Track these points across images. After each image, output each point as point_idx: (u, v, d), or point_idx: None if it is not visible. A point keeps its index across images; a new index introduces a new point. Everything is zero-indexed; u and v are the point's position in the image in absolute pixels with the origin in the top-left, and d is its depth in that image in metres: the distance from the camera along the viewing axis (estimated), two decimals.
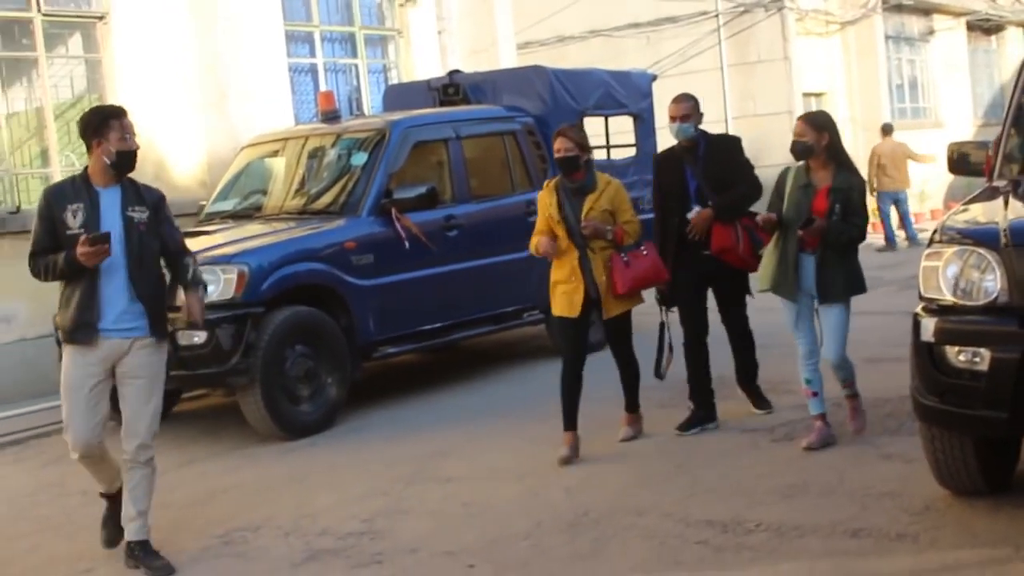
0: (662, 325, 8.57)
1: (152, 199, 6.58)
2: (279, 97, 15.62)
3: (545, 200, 8.07)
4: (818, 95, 24.68)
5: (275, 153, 11.94)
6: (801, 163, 7.65)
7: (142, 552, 6.45)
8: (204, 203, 12.20)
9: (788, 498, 6.66)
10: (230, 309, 9.21)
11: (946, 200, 22.56)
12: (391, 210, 10.14)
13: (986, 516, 6.02)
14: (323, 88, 15.30)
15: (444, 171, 11.23)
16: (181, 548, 6.70)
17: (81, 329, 6.26)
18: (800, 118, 7.86)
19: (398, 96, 13.65)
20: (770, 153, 22.59)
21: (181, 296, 6.68)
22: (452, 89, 12.68)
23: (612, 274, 7.84)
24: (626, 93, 13.45)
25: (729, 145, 8.92)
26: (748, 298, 8.73)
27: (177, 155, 14.26)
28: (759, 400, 8.90)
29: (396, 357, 10.70)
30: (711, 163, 8.47)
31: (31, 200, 13.28)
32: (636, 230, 8.03)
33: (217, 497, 7.94)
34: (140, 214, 6.41)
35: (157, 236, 6.50)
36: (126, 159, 6.43)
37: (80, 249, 6.06)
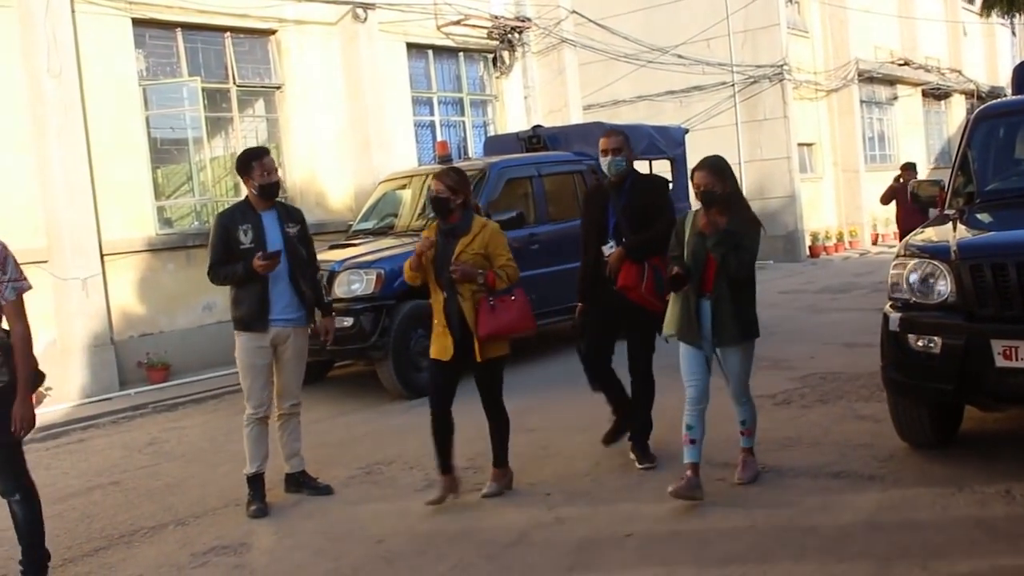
0: (578, 350, 6.83)
1: (299, 217, 6.60)
2: (407, 145, 15.78)
3: (427, 237, 6.14)
4: (809, 144, 24.37)
5: (403, 186, 11.99)
6: (697, 209, 5.84)
7: (305, 479, 6.54)
8: (351, 223, 12.32)
9: (785, 447, 6.58)
10: (370, 301, 9.35)
11: None
12: None
13: (937, 462, 5.94)
14: (439, 138, 15.37)
15: (529, 200, 11.23)
16: (335, 476, 6.77)
17: (259, 319, 6.27)
18: (702, 167, 5.69)
19: (495, 144, 13.67)
20: (773, 188, 22.49)
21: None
22: (535, 139, 12.69)
23: (477, 317, 5.89)
24: (665, 142, 13.39)
25: (654, 186, 6.78)
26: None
27: (332, 188, 14.43)
28: (642, 454, 6.50)
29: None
30: (633, 201, 6.46)
31: None
32: (512, 275, 5.98)
33: (359, 440, 8.01)
34: (293, 229, 6.44)
35: (305, 245, 6.55)
36: (267, 190, 6.36)
37: (257, 262, 6.12)
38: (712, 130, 22.03)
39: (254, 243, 6.27)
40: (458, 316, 5.93)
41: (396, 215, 11.59)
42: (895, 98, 28.14)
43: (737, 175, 18.73)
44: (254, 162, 6.33)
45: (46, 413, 10.46)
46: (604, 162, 6.48)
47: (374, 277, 9.44)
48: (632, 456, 6.51)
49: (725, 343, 5.71)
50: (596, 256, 6.50)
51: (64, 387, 11.16)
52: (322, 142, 14.45)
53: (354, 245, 10.60)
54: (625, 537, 5.18)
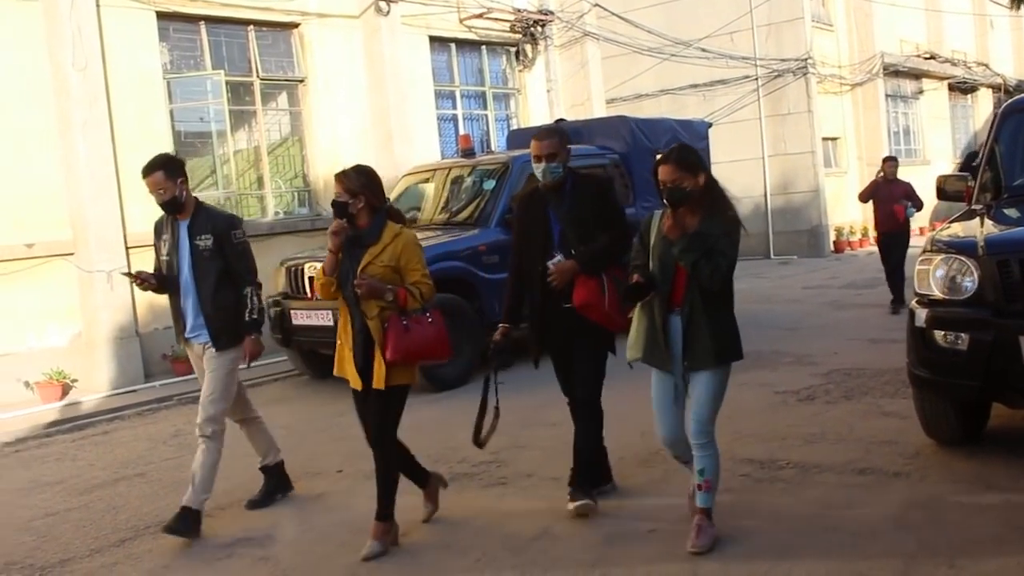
0: (487, 380, 5.67)
1: (221, 227, 5.93)
2: (429, 139, 15.81)
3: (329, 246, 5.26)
4: (834, 139, 24.25)
5: (427, 180, 12.02)
6: (664, 209, 4.88)
7: (188, 518, 5.78)
8: None
9: (810, 443, 6.57)
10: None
11: (931, 220, 21.99)
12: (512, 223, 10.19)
13: (963, 460, 5.91)
14: (462, 132, 15.40)
15: None
16: (359, 469, 6.78)
17: (178, 334, 6.12)
18: (667, 160, 4.75)
19: (518, 138, 13.64)
20: (797, 183, 22.38)
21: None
22: None
23: (386, 337, 5.07)
24: (689, 136, 13.30)
25: (598, 186, 5.84)
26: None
27: None
28: (578, 491, 5.54)
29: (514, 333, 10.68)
30: (577, 205, 5.53)
31: (250, 213, 13.57)
32: (427, 293, 5.18)
33: None
34: (204, 242, 5.87)
35: (222, 259, 5.90)
36: (163, 207, 5.94)
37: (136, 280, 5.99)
38: (735, 124, 21.96)
39: (168, 255, 6.00)
40: (362, 337, 5.18)
41: (420, 209, 11.61)
42: (921, 92, 27.97)
43: (761, 170, 18.88)
44: (145, 179, 5.91)
45: (73, 404, 10.56)
46: (537, 169, 5.55)
47: None
48: (569, 496, 5.56)
49: (697, 365, 4.77)
50: (542, 273, 5.48)
51: (90, 379, 11.26)
52: (345, 135, 14.49)
53: None
54: (649, 532, 5.19)
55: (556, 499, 5.79)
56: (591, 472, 5.70)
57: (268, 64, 14.00)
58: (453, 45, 16.81)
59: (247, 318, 5.91)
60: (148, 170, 5.89)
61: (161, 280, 6.03)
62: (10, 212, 11.05)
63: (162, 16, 12.63)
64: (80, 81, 11.48)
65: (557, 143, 5.51)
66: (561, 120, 13.41)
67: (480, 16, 16.63)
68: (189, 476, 5.94)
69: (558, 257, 5.43)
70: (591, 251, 5.43)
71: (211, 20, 13.25)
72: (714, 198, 4.80)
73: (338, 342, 5.36)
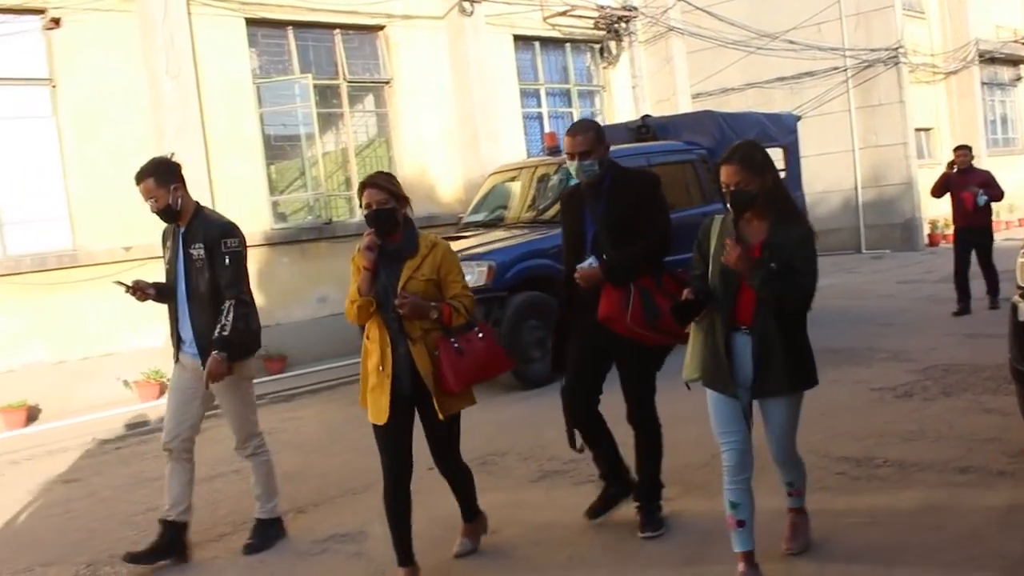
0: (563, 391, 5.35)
1: (213, 235, 5.45)
2: (515, 138, 15.84)
3: (358, 263, 4.73)
4: (927, 129, 23.71)
5: (513, 178, 12.04)
6: (725, 215, 4.39)
7: (172, 535, 5.55)
8: (462, 216, 12.43)
9: (908, 441, 6.41)
10: (481, 293, 9.37)
11: None
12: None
13: None
14: (547, 130, 15.39)
15: None
16: None
17: (174, 347, 5.68)
18: (730, 159, 4.20)
19: None
20: (888, 176, 21.92)
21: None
22: (644, 129, 12.60)
23: (441, 366, 4.64)
24: (777, 130, 13.17)
25: (641, 184, 5.21)
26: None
27: (442, 181, 14.57)
28: (648, 518, 5.24)
29: None
30: (614, 205, 5.06)
31: (339, 215, 13.76)
32: (471, 304, 4.75)
33: (473, 431, 7.99)
34: (197, 251, 5.43)
35: (210, 271, 5.43)
36: (159, 216, 5.54)
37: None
38: (824, 117, 21.59)
39: (169, 264, 5.61)
40: (407, 363, 4.66)
41: (506, 207, 11.64)
42: (1019, 79, 27.21)
43: (851, 163, 18.53)
44: (138, 187, 5.53)
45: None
46: (571, 167, 5.13)
47: (485, 269, 9.51)
48: (639, 525, 5.24)
49: (770, 392, 4.32)
50: (570, 279, 5.15)
51: None
52: (431, 136, 14.60)
53: (465, 237, 10.68)
54: None
55: None
56: (655, 492, 5.36)
57: (355, 67, 14.18)
58: (537, 43, 16.82)
59: (216, 334, 5.34)
60: (139, 177, 5.50)
61: (162, 290, 5.61)
62: (109, 216, 11.36)
63: (251, 22, 12.88)
64: (173, 88, 11.76)
65: (592, 138, 5.06)
66: (647, 116, 13.30)
67: (564, 14, 16.61)
68: (254, 493, 5.78)
69: (590, 260, 5.02)
70: (618, 259, 4.97)
71: (298, 25, 13.46)
72: (782, 201, 4.30)
73: (362, 369, 4.83)
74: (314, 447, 8.23)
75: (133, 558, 5.45)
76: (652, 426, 5.31)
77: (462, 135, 14.90)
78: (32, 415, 10.62)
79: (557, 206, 10.92)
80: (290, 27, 13.40)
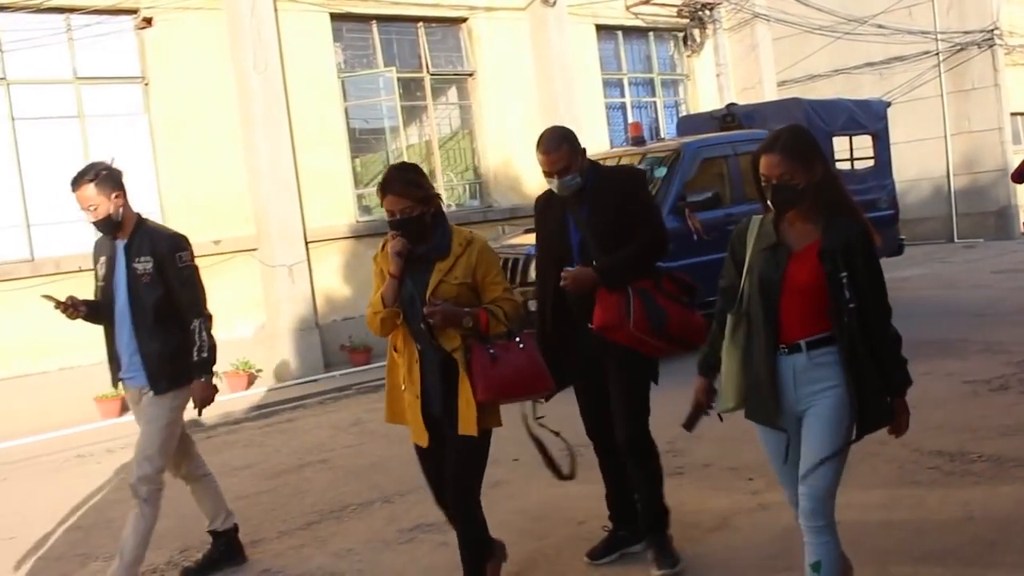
0: (526, 422, 4.61)
1: (161, 248, 5.03)
2: (598, 128, 15.77)
3: (381, 265, 4.27)
4: (1023, 114, 23.01)
5: (824, 156, 11.92)
6: (763, 215, 3.67)
7: None
8: None
9: (1004, 436, 6.24)
10: None
11: None
12: (684, 210, 10.11)
13: None
14: (631, 120, 15.32)
15: (724, 180, 11.06)
16: (535, 456, 6.82)
17: (111, 375, 5.19)
18: (772, 147, 3.48)
19: (688, 124, 13.52)
20: (982, 162, 21.33)
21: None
22: (729, 117, 12.48)
23: (471, 372, 4.07)
24: (866, 117, 12.93)
25: (625, 183, 4.81)
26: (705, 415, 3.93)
27: (525, 172, 14.56)
28: (661, 553, 4.69)
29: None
30: (599, 208, 4.60)
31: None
32: (512, 312, 4.20)
33: (559, 422, 8.06)
34: (143, 265, 4.99)
35: (163, 286, 5.02)
36: (98, 227, 5.06)
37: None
38: (914, 103, 21.10)
39: (104, 280, 5.10)
40: (439, 376, 4.16)
41: None
42: None
43: (943, 149, 18.03)
44: (74, 194, 5.05)
45: (258, 393, 11.03)
46: (552, 185, 4.65)
47: None
48: (652, 562, 4.70)
49: (871, 427, 3.58)
50: (556, 292, 4.66)
51: (273, 369, 11.73)
52: (514, 127, 14.61)
53: None
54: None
55: (735, 489, 5.71)
56: (662, 521, 4.76)
57: (438, 59, 14.26)
58: (620, 33, 16.71)
59: (195, 357, 5.00)
60: (76, 183, 5.01)
61: (95, 308, 5.09)
62: (199, 210, 11.59)
63: (336, 17, 13.02)
64: (260, 83, 11.95)
65: (567, 152, 4.58)
66: (733, 105, 13.16)
67: (646, 2, 16.48)
68: (121, 545, 5.05)
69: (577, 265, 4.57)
70: (614, 261, 4.51)
71: (382, 19, 13.58)
72: (835, 196, 3.57)
73: (388, 383, 4.43)
74: (400, 438, 8.21)
75: (188, 573, 5.35)
76: (648, 447, 4.70)
77: (545, 126, 14.83)
78: (125, 405, 10.89)
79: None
80: (374, 21, 13.52)
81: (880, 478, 5.64)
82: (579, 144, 4.66)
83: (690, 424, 3.84)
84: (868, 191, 12.41)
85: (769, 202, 3.53)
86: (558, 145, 4.61)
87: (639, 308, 4.43)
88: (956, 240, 21.31)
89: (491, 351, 4.10)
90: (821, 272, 3.43)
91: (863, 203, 12.37)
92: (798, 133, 3.57)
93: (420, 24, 13.98)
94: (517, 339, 4.17)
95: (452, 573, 4.64)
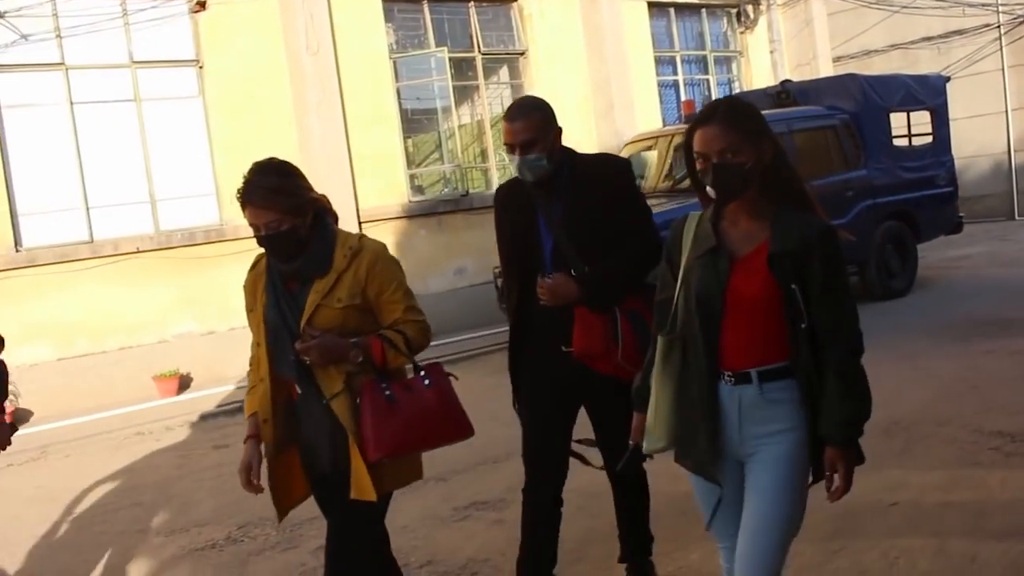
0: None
1: None
2: (650, 106, 15.66)
3: (249, 288, 3.43)
4: None
5: (649, 147, 11.91)
6: (700, 212, 2.99)
7: None
8: None
9: None
10: None
11: None
12: None
13: None
14: (684, 98, 15.20)
15: None
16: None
17: None
18: (710, 118, 2.79)
19: None
20: None
21: None
22: (784, 95, 12.32)
23: (361, 424, 3.20)
24: (924, 92, 12.68)
25: (610, 175, 3.90)
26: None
27: (578, 151, 14.52)
28: None
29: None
30: (577, 205, 3.75)
31: (475, 186, 13.89)
32: (419, 334, 3.33)
33: None
34: None
35: None
36: None
37: None
38: (974, 77, 20.64)
39: None
40: (325, 428, 3.28)
41: (643, 176, 11.53)
42: None
43: (1003, 125, 17.64)
44: None
45: None
46: (512, 163, 3.79)
47: None
48: None
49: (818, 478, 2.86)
50: (521, 302, 3.92)
51: None
52: (566, 106, 14.53)
53: None
54: (890, 506, 4.97)
55: None
56: (647, 546, 4.32)
57: (489, 39, 14.24)
58: (672, 10, 16.56)
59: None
60: None
61: None
62: None
63: None
64: (313, 64, 12.01)
65: (537, 123, 3.72)
66: (787, 82, 12.98)
67: None
68: None
69: (551, 279, 3.74)
70: (600, 274, 3.71)
71: None
72: (789, 185, 2.86)
73: (263, 442, 3.42)
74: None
75: None
76: (640, 479, 4.14)
77: (597, 105, 14.82)
78: (184, 383, 11.06)
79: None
80: (425, 1, 13.52)
81: (939, 459, 5.57)
82: (555, 121, 3.83)
83: (625, 468, 3.18)
84: (926, 168, 12.22)
85: (708, 189, 2.79)
86: (527, 113, 3.77)
87: (628, 335, 3.67)
88: (1017, 217, 20.88)
89: (387, 392, 3.24)
90: (772, 283, 2.73)
91: (921, 180, 12.23)
92: (741, 102, 2.93)
93: (471, 3, 13.96)
94: (423, 374, 3.34)
95: (508, 550, 4.64)
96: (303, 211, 3.25)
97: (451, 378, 3.46)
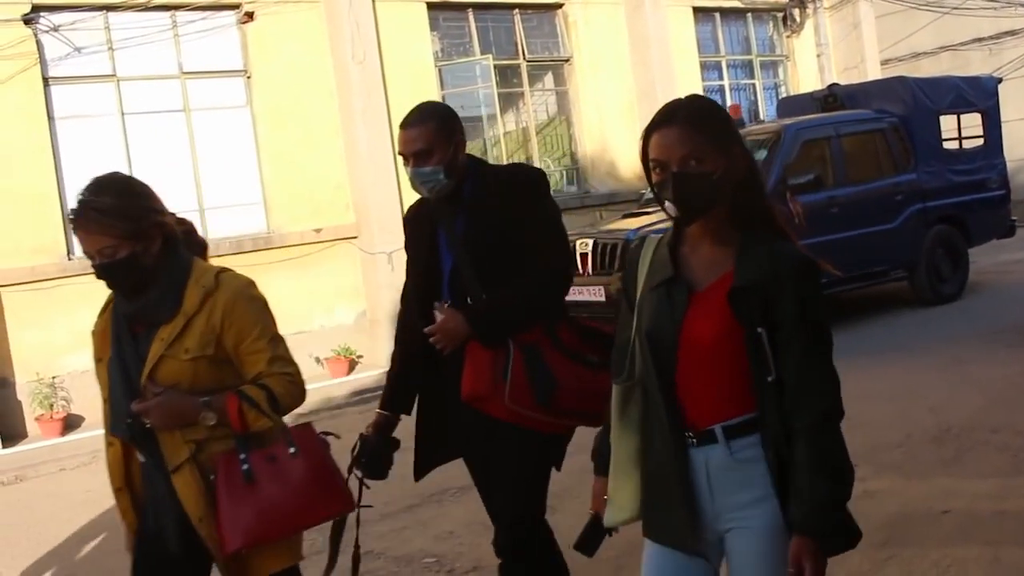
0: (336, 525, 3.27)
1: None
2: None
3: (98, 335, 2.89)
4: None
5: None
6: (661, 235, 2.50)
7: None
8: (643, 192, 12.31)
9: None
10: None
11: None
12: (786, 193, 9.96)
13: None
14: (730, 103, 15.12)
15: (826, 162, 10.83)
16: None
17: None
18: (670, 120, 2.29)
19: (788, 106, 13.26)
20: None
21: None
22: (831, 98, 12.20)
23: (217, 504, 2.70)
24: (975, 94, 12.50)
25: (521, 190, 3.35)
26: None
27: (623, 157, 14.49)
28: None
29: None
30: (481, 222, 3.29)
31: None
32: (287, 390, 2.79)
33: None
34: None
35: None
36: None
37: None
38: None
39: None
40: (169, 506, 2.75)
41: None
42: None
43: None
44: None
45: (359, 379, 11.20)
46: (408, 174, 3.32)
47: None
48: None
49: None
50: (412, 336, 3.45)
51: (374, 355, 11.88)
52: (611, 112, 14.54)
53: (647, 213, 10.60)
54: (942, 514, 4.90)
55: None
56: None
57: (534, 46, 14.25)
58: (717, 15, 16.47)
59: None
60: None
61: None
62: (302, 200, 11.81)
63: (432, 6, 13.11)
64: (359, 73, 12.10)
65: (432, 132, 3.26)
66: (834, 85, 12.86)
67: None
68: None
69: (446, 305, 3.30)
70: (494, 302, 3.24)
71: (478, 7, 13.63)
72: (757, 205, 2.37)
73: (121, 516, 2.94)
74: None
75: None
76: (534, 533, 3.34)
77: (643, 111, 14.76)
78: None
79: None
80: (470, 9, 13.57)
81: (992, 467, 5.48)
82: (458, 131, 3.34)
83: (582, 545, 2.60)
84: (978, 171, 12.03)
85: (667, 205, 2.31)
86: (423, 120, 3.29)
87: (519, 372, 3.15)
88: None
89: (245, 466, 2.72)
90: (734, 323, 2.23)
91: (972, 183, 12.02)
92: (707, 102, 2.49)
93: (516, 11, 13.98)
94: (286, 441, 2.82)
95: None
96: (147, 236, 2.73)
97: (329, 438, 2.97)
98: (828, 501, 2.18)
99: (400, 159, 3.35)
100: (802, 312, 2.22)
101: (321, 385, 10.97)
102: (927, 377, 7.50)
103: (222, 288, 2.79)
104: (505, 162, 13.83)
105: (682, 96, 2.44)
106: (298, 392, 2.85)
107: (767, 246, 2.28)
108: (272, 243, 11.68)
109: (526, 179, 3.46)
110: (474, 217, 3.31)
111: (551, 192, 3.46)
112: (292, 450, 2.80)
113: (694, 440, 2.29)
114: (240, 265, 11.82)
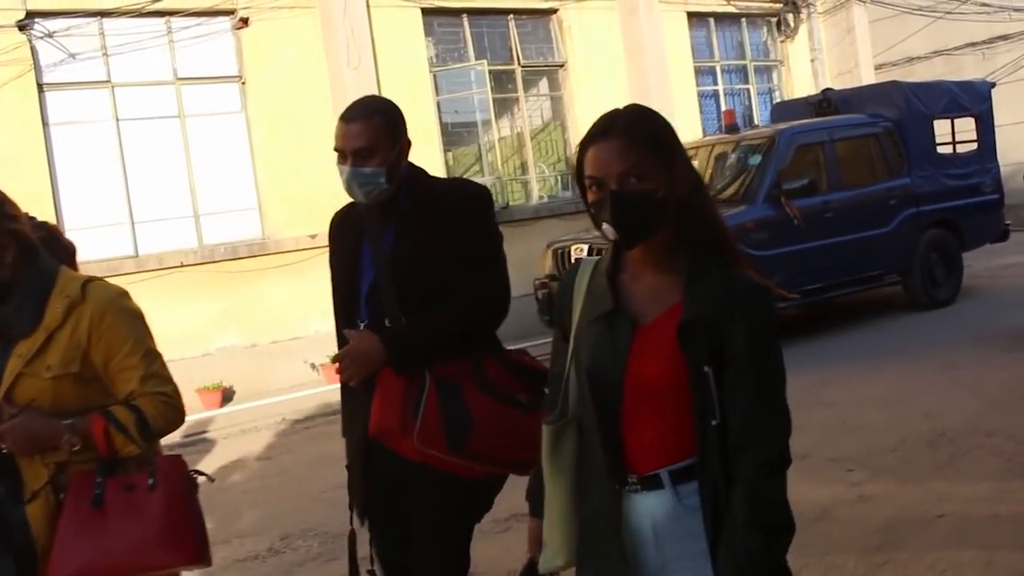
0: (352, 537, 3.10)
1: None
2: (691, 117, 15.61)
3: None
4: None
5: (690, 158, 11.89)
6: (598, 258, 2.21)
7: None
8: None
9: None
10: None
11: None
12: (780, 198, 9.99)
13: None
14: (724, 108, 15.14)
15: (820, 167, 10.87)
16: None
17: None
18: (608, 132, 2.07)
19: (783, 111, 13.30)
20: None
21: None
22: (825, 103, 12.24)
23: (56, 528, 2.44)
24: (969, 99, 12.54)
25: (460, 205, 3.03)
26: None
27: None
28: None
29: (783, 311, 10.42)
30: (412, 235, 2.92)
31: (515, 199, 13.92)
32: (158, 412, 2.54)
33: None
34: None
35: None
36: None
37: None
38: (1020, 83, 20.39)
39: None
40: (25, 535, 2.50)
41: None
42: None
43: None
44: None
45: None
46: (342, 174, 2.94)
47: None
48: None
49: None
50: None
51: None
52: None
53: None
54: (937, 518, 4.91)
55: (835, 481, 5.61)
56: None
57: (528, 51, 14.28)
58: (711, 20, 16.51)
59: None
60: None
61: None
62: (296, 205, 11.81)
63: (427, 12, 13.12)
64: (354, 78, 12.10)
65: (376, 129, 2.93)
66: (828, 90, 12.90)
67: None
68: None
69: (360, 327, 2.93)
70: (413, 327, 2.86)
71: (473, 12, 13.64)
72: (707, 227, 2.13)
73: None
74: None
75: None
76: None
77: None
78: (227, 396, 11.16)
79: (737, 184, 10.78)
80: (465, 15, 13.59)
81: (987, 470, 5.49)
82: (404, 133, 3.05)
83: None
84: (971, 175, 12.07)
85: (605, 227, 2.06)
86: (368, 114, 2.95)
87: (432, 410, 2.77)
88: None
89: (96, 491, 2.46)
90: (682, 359, 2.01)
91: (966, 187, 12.06)
92: (648, 112, 2.19)
93: (511, 16, 14.00)
94: (149, 473, 2.54)
95: None
96: (4, 237, 2.52)
97: (201, 479, 2.68)
98: (761, 558, 1.96)
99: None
100: (752, 348, 1.99)
101: (316, 391, 10.95)
102: (921, 381, 7.51)
103: (89, 299, 2.54)
104: (501, 167, 13.85)
105: (621, 107, 2.21)
106: (173, 414, 2.60)
107: (717, 273, 2.04)
108: (267, 249, 11.67)
109: (469, 195, 3.14)
110: (405, 230, 2.94)
111: (495, 213, 3.18)
112: (151, 481, 2.52)
113: (637, 486, 2.07)
114: (235, 271, 11.89)
